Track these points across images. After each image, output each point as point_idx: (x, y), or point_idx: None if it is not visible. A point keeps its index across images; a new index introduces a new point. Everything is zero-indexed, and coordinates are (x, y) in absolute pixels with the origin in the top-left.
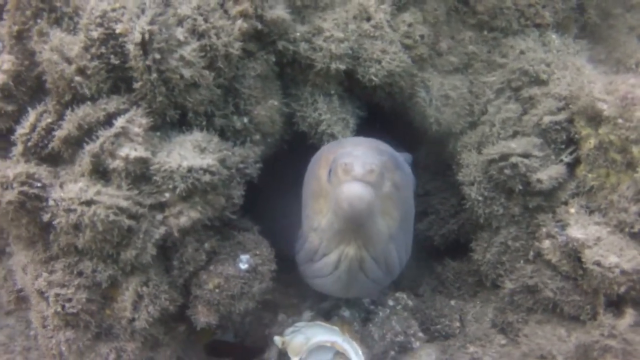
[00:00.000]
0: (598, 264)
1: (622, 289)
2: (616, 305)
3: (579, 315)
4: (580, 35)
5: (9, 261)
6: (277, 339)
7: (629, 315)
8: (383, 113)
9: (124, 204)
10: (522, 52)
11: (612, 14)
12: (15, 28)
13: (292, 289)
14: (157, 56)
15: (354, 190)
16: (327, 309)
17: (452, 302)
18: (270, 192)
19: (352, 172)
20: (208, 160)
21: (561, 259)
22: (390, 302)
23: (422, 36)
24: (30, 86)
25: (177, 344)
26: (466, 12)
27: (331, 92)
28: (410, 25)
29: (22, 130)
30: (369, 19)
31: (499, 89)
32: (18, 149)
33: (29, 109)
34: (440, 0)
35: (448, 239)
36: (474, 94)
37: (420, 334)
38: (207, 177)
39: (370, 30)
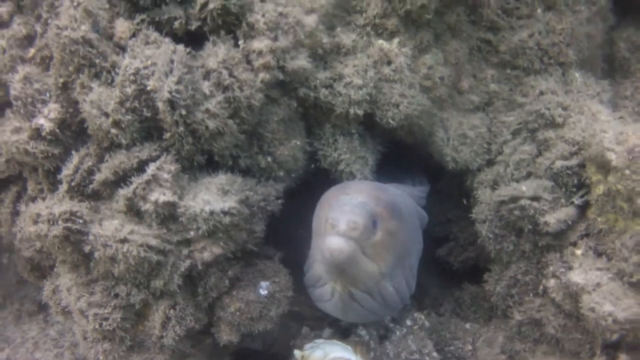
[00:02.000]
0: (592, 310)
1: (614, 337)
2: (614, 347)
3: (579, 352)
4: (609, 70)
5: (57, 279)
6: (297, 353)
7: None
8: (405, 146)
9: (153, 242)
10: (541, 93)
11: None
12: (61, 80)
13: None
14: (184, 112)
15: (334, 243)
16: (345, 326)
17: (467, 325)
18: (295, 219)
19: (337, 228)
20: (229, 203)
21: (564, 298)
22: (408, 322)
23: (441, 78)
24: (74, 130)
25: (203, 354)
26: (489, 51)
27: (352, 131)
28: (430, 67)
29: (67, 171)
30: (389, 63)
31: (516, 129)
32: (63, 187)
33: (73, 152)
34: (463, 40)
35: (467, 265)
36: (493, 133)
37: (435, 354)
38: (227, 219)
39: (390, 74)
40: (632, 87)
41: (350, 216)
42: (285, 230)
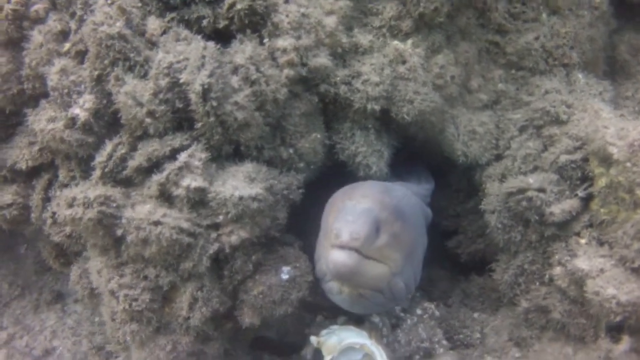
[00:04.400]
0: (597, 294)
1: (618, 318)
2: (617, 329)
3: (584, 337)
4: (611, 71)
5: (84, 264)
6: (313, 339)
7: (625, 342)
8: (416, 143)
9: (184, 225)
10: (546, 92)
11: None
12: (96, 73)
13: None
14: (215, 103)
15: (338, 257)
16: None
17: (475, 315)
18: (313, 210)
19: (339, 239)
20: (256, 190)
21: (569, 284)
22: (419, 311)
23: (452, 77)
24: (107, 121)
25: (224, 338)
26: (497, 53)
27: (368, 126)
28: (442, 67)
29: (100, 158)
30: (403, 62)
31: (523, 126)
32: (96, 173)
33: (107, 140)
34: (472, 42)
35: (475, 257)
36: (500, 130)
37: (444, 342)
38: (254, 205)
39: (405, 73)
40: (632, 88)
41: (353, 227)
42: (303, 221)
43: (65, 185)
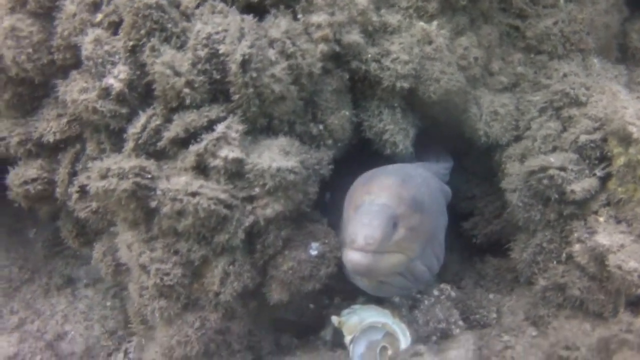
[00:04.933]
0: (619, 267)
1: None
2: (635, 305)
3: (602, 312)
4: (622, 58)
5: (109, 241)
6: (334, 319)
7: None
8: (438, 124)
9: (222, 196)
10: (565, 75)
11: None
12: (130, 43)
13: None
14: (254, 74)
15: (354, 258)
16: None
17: (491, 296)
18: (337, 189)
19: (355, 244)
20: (292, 162)
21: (589, 261)
22: (436, 292)
23: (476, 58)
24: (140, 92)
25: (249, 317)
26: (516, 37)
27: (394, 105)
28: (466, 48)
29: (134, 129)
30: (430, 43)
31: (542, 107)
32: (129, 145)
33: (140, 112)
34: (494, 26)
35: (491, 239)
36: (520, 111)
37: (461, 323)
38: (291, 177)
39: (431, 53)
40: None
41: (368, 231)
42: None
43: (94, 159)
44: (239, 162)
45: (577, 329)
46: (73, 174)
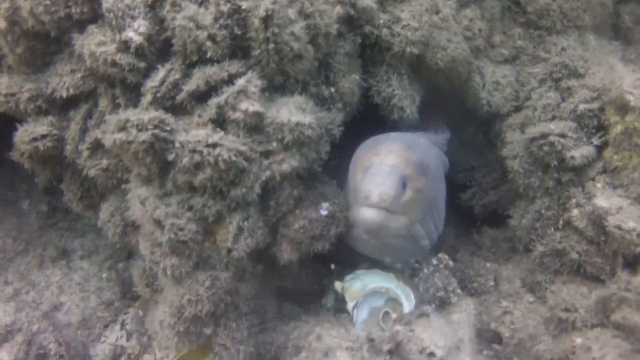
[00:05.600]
0: (619, 227)
1: (639, 250)
2: (631, 266)
3: (600, 275)
4: (615, 37)
5: (117, 201)
6: (337, 284)
7: None
8: (440, 93)
9: (242, 148)
10: (563, 49)
11: None
12: None
13: (344, 247)
14: (276, 30)
15: (368, 215)
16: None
17: (488, 265)
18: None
19: (369, 200)
20: (309, 118)
21: (587, 225)
22: (434, 262)
23: (479, 30)
24: (157, 47)
25: (255, 280)
26: (517, 12)
27: (402, 72)
28: (470, 20)
29: (152, 83)
30: (437, 12)
31: (542, 79)
32: (147, 98)
33: (159, 66)
34: (496, 0)
35: (488, 209)
36: (520, 82)
37: (459, 291)
38: (309, 131)
39: (439, 22)
40: (635, 52)
41: (382, 188)
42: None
43: (107, 114)
44: (258, 115)
45: (574, 292)
46: (84, 130)
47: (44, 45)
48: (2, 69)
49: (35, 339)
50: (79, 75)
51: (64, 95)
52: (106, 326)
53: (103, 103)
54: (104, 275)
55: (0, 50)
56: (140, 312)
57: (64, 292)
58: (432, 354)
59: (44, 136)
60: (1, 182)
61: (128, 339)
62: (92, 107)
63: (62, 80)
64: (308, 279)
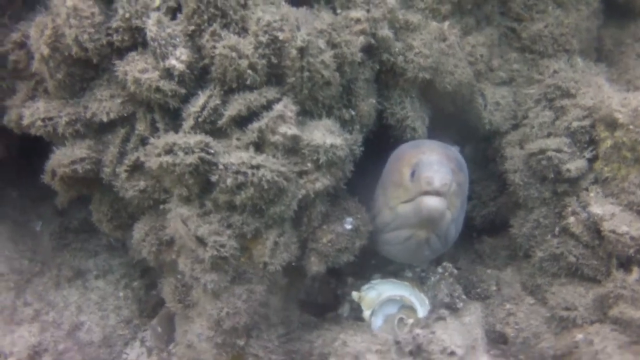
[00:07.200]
0: (613, 231)
1: (631, 251)
2: (625, 267)
3: (596, 276)
4: (598, 59)
5: (151, 221)
6: (354, 294)
7: (636, 272)
8: (444, 114)
9: (282, 169)
10: (555, 71)
11: (624, 43)
12: (191, 28)
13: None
14: (310, 59)
15: (432, 203)
16: (393, 270)
17: (489, 271)
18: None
19: (432, 185)
20: (340, 140)
21: (583, 230)
22: (440, 270)
23: (481, 55)
24: (195, 75)
25: (282, 293)
26: (513, 37)
27: (412, 95)
28: (473, 46)
29: (194, 108)
30: (444, 40)
31: (537, 99)
32: (189, 123)
33: (199, 92)
34: (494, 27)
35: (487, 220)
36: (517, 103)
37: (464, 296)
38: (340, 152)
39: (446, 49)
40: (616, 73)
41: (443, 175)
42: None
43: (144, 139)
44: (295, 138)
45: (573, 292)
46: (122, 153)
47: (83, 71)
48: (37, 94)
49: (61, 359)
50: (119, 100)
51: (104, 119)
52: (126, 344)
53: (141, 127)
54: (121, 294)
55: (36, 75)
56: (159, 329)
57: (83, 312)
58: (453, 353)
59: (82, 159)
60: (10, 205)
61: (149, 355)
62: (129, 131)
63: (102, 105)
64: (320, 290)
